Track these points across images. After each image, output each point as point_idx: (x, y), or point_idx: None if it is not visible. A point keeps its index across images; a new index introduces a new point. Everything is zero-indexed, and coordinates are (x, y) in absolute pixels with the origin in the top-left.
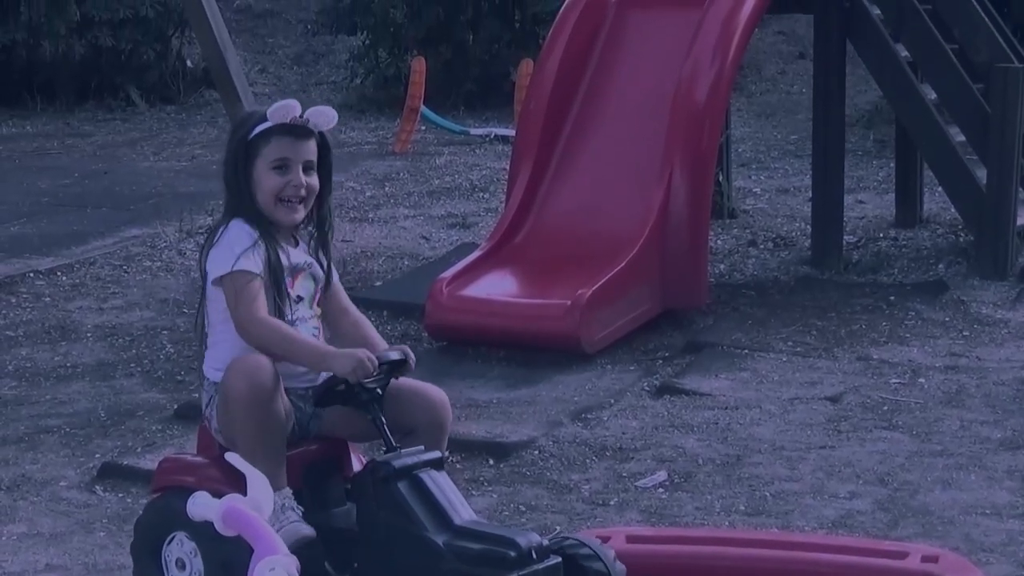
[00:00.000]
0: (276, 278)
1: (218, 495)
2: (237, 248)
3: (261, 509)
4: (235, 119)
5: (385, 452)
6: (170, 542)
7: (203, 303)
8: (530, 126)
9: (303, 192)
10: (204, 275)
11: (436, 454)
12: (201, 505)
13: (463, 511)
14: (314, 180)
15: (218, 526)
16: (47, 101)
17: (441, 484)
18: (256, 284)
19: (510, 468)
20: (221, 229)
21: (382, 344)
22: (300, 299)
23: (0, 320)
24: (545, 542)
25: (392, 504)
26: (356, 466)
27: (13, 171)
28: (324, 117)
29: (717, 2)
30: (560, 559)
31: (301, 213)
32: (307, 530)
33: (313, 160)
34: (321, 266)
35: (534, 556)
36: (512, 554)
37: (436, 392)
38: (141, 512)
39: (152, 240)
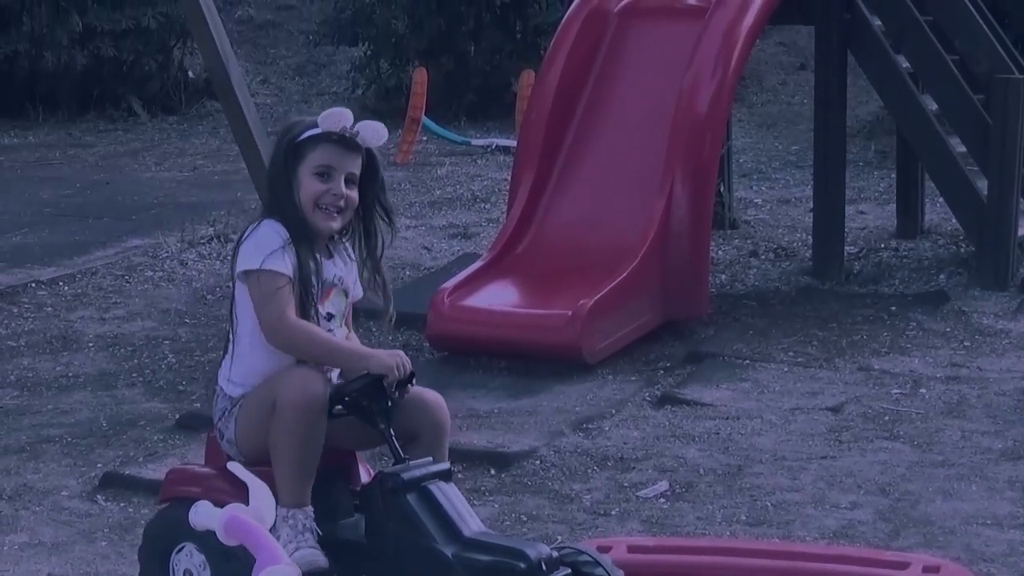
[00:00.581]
0: (305, 286)
1: (223, 505)
2: (266, 247)
3: (263, 519)
4: (288, 122)
5: (393, 464)
6: (179, 551)
7: (232, 307)
8: (531, 137)
9: (342, 203)
10: (233, 274)
11: (445, 466)
12: (203, 514)
13: (472, 523)
14: (354, 193)
15: (220, 535)
16: (49, 111)
17: (450, 496)
18: (284, 286)
19: (511, 478)
20: (251, 227)
21: None
22: (331, 316)
23: (2, 330)
24: (555, 554)
25: (401, 516)
26: (364, 477)
27: (15, 181)
28: (374, 133)
29: (718, 13)
30: (569, 570)
31: (338, 222)
32: (322, 560)
33: (356, 173)
34: (370, 281)
35: (544, 568)
36: (522, 566)
37: (432, 395)
38: (153, 516)
39: (154, 250)
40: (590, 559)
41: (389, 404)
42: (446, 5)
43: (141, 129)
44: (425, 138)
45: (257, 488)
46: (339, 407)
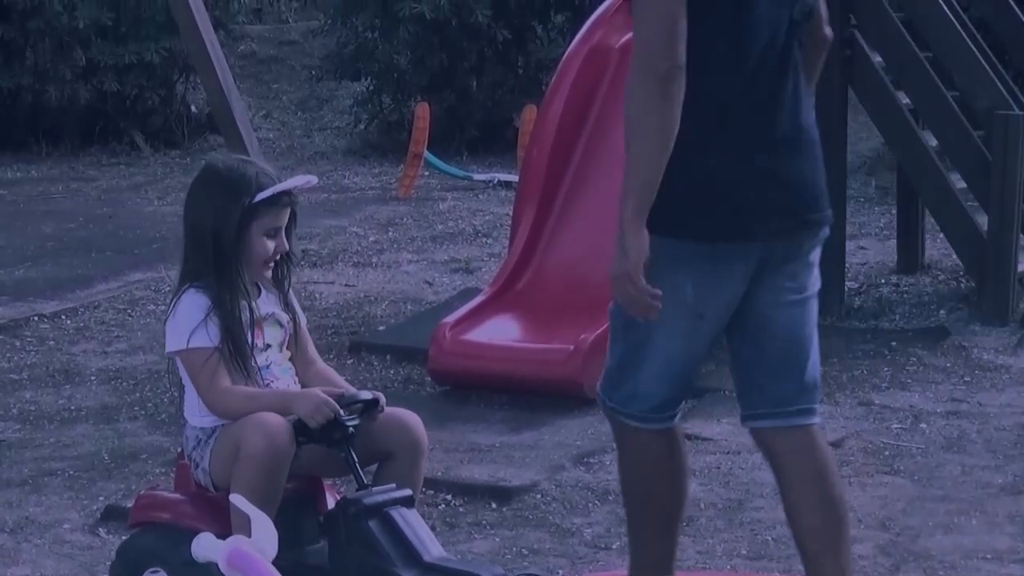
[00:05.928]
0: (237, 343)
1: (193, 532)
2: (188, 324)
3: (265, 552)
4: (224, 174)
5: (356, 490)
6: (149, 574)
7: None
8: (533, 172)
9: (278, 256)
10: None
11: (407, 492)
12: (205, 546)
13: (432, 548)
14: None
15: (222, 567)
16: (52, 145)
17: (411, 521)
18: (212, 358)
19: (512, 512)
20: (174, 301)
21: (351, 390)
22: (268, 346)
23: (4, 363)
24: None
25: (363, 541)
26: (330, 503)
27: (18, 215)
28: (307, 184)
29: None
30: None
31: (271, 270)
32: None
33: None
34: (289, 313)
35: None
36: None
37: (409, 415)
38: (124, 540)
39: (156, 284)
40: None
41: (350, 432)
42: (448, 41)
43: (144, 163)
44: (427, 173)
45: (259, 520)
46: (302, 438)
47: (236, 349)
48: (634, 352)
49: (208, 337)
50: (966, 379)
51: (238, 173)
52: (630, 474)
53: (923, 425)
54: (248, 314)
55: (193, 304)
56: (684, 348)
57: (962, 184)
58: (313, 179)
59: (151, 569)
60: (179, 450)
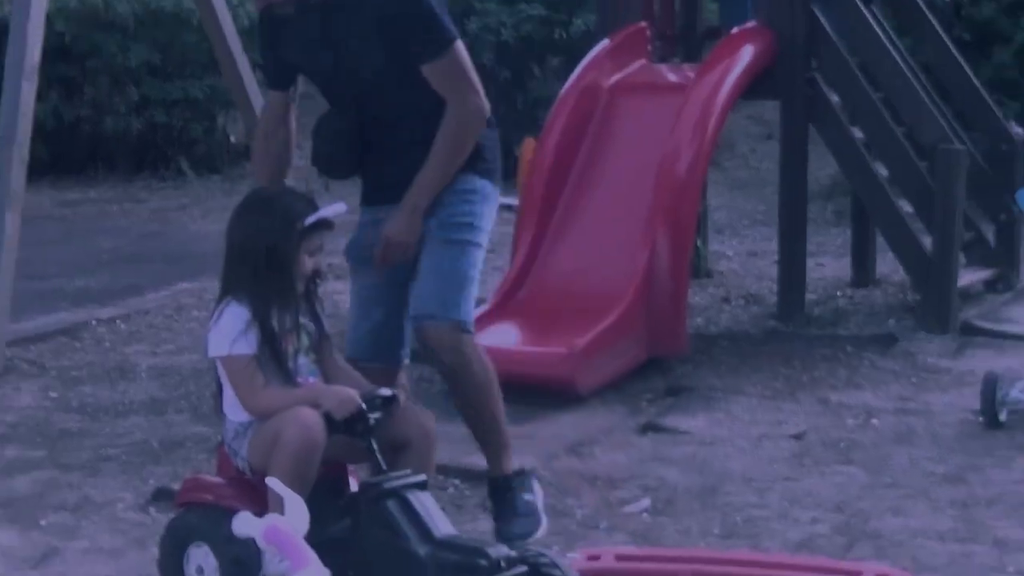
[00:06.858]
0: (273, 344)
1: (233, 511)
2: (230, 333)
3: (297, 528)
4: (277, 201)
5: (376, 475)
6: (192, 547)
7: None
8: (532, 196)
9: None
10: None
11: (421, 477)
12: (245, 523)
13: (443, 526)
14: None
15: (259, 542)
16: (108, 170)
17: (424, 502)
18: (251, 365)
19: None
20: (217, 313)
21: (372, 387)
22: (297, 351)
23: (66, 362)
24: (513, 553)
25: (382, 519)
26: (353, 486)
27: (78, 231)
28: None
29: (696, 89)
30: (526, 567)
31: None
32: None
33: None
34: (315, 321)
35: (503, 565)
36: (484, 563)
37: (422, 409)
38: (172, 517)
39: (200, 293)
40: (549, 560)
41: (372, 424)
42: None
43: (189, 187)
44: None
45: (292, 501)
46: (329, 428)
47: (275, 355)
48: (475, 279)
49: (248, 345)
50: (913, 380)
51: (290, 200)
52: (487, 374)
53: (875, 421)
54: (291, 322)
55: (235, 315)
56: None
57: (909, 209)
58: (344, 206)
59: (196, 543)
60: (220, 439)
